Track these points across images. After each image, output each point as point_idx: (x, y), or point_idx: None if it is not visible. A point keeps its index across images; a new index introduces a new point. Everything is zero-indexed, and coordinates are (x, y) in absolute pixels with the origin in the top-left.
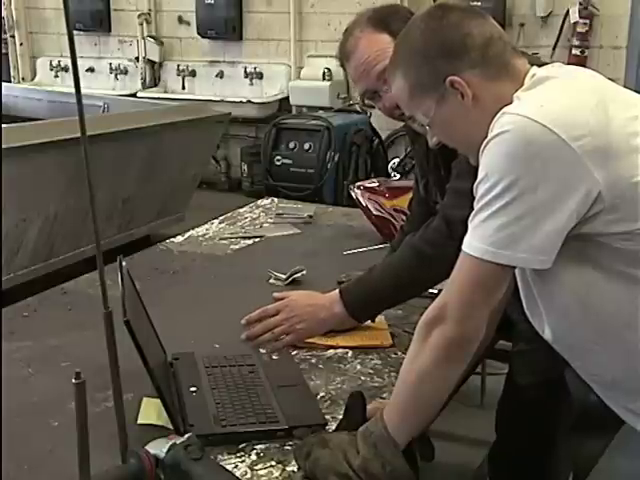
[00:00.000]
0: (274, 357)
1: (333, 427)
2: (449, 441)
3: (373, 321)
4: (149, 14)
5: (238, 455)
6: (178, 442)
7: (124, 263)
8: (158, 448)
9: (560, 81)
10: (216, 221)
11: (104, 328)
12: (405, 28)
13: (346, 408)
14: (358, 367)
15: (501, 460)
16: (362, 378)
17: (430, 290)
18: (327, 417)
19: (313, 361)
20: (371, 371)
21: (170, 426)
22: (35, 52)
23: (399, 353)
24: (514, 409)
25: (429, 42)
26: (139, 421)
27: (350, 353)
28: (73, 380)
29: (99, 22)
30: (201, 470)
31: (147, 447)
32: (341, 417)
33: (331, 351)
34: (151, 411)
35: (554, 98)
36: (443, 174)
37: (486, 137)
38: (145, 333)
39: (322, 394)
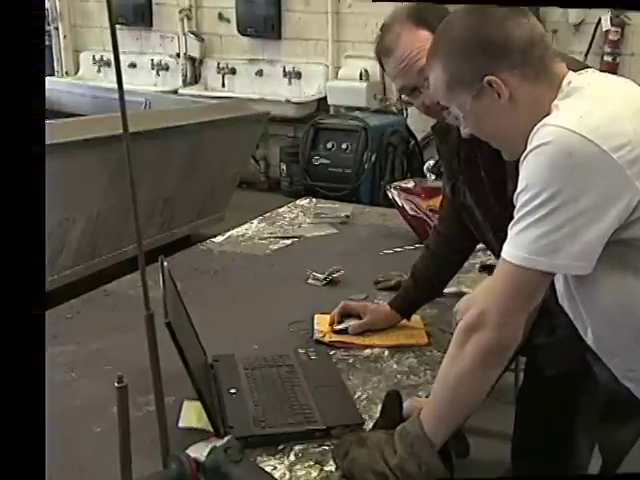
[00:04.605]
0: (312, 357)
1: (370, 426)
2: (484, 437)
3: (409, 320)
4: (190, 10)
5: (277, 457)
6: (218, 445)
7: (165, 263)
8: (199, 452)
9: (597, 90)
10: (255, 221)
11: (145, 330)
12: (447, 19)
13: (383, 407)
14: (394, 366)
15: (522, 451)
16: (398, 377)
17: (445, 290)
18: (364, 416)
19: (350, 361)
20: (407, 369)
21: (210, 428)
22: (78, 46)
23: (434, 351)
24: (534, 402)
25: (470, 38)
26: (180, 425)
27: (386, 352)
28: (115, 384)
29: (141, 16)
30: (241, 472)
31: (188, 451)
32: (378, 416)
33: (368, 351)
34: (192, 414)
35: (592, 108)
36: (483, 175)
37: (518, 135)
38: (186, 334)
39: (359, 393)
